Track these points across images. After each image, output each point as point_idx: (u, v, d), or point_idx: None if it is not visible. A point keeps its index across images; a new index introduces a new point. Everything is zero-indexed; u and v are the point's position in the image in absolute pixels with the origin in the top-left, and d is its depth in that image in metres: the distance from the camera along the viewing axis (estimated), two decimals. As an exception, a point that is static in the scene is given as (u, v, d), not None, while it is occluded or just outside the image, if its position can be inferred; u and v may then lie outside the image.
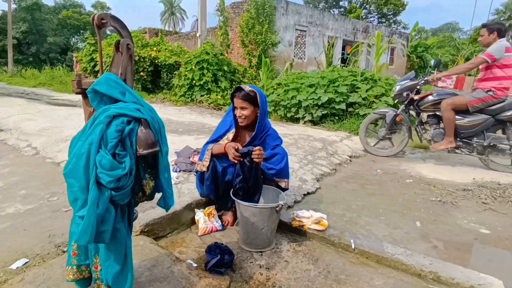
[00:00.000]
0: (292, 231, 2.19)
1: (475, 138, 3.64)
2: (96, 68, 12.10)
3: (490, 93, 3.49)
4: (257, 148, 1.94)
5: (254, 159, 1.91)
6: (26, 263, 1.71)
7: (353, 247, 1.94)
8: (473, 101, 3.56)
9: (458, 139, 3.72)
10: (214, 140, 2.21)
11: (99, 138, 1.08)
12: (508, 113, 3.48)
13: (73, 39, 37.73)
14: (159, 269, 1.55)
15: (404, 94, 4.05)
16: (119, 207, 1.20)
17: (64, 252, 1.82)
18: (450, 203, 2.74)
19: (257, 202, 1.97)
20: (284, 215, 2.26)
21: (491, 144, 3.59)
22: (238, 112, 2.14)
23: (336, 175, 3.53)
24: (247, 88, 2.14)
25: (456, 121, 3.64)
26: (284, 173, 2.16)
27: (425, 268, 1.75)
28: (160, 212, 2.06)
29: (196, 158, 3.06)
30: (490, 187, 3.08)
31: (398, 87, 4.11)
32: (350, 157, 4.19)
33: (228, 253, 1.77)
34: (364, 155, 4.37)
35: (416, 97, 3.95)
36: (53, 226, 2.11)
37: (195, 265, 1.72)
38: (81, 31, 37.14)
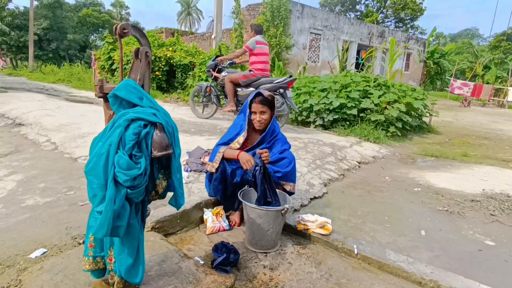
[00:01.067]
0: (297, 234, 2.26)
1: None
2: (113, 66, 12.39)
3: (251, 72, 5.19)
4: (263, 150, 2.00)
5: (264, 160, 1.97)
6: (44, 252, 1.83)
7: (355, 252, 1.99)
8: (241, 77, 5.21)
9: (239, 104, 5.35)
10: (225, 143, 2.29)
11: (118, 139, 1.17)
12: (264, 86, 5.03)
13: (92, 36, 38.66)
14: (168, 264, 1.64)
15: (210, 71, 5.68)
16: (133, 204, 1.29)
17: (80, 244, 1.93)
18: (457, 214, 2.74)
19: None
20: (290, 218, 2.32)
21: None
22: (257, 117, 2.22)
23: (344, 180, 3.57)
24: (266, 93, 2.23)
25: (237, 92, 5.28)
26: (290, 177, 2.23)
27: (426, 276, 1.78)
28: (170, 210, 2.15)
29: (207, 159, 3.15)
30: (499, 199, 3.07)
31: (208, 66, 5.73)
32: (359, 163, 4.21)
33: (234, 252, 1.84)
34: (373, 162, 4.38)
35: (215, 75, 5.58)
36: (69, 219, 2.23)
37: (202, 262, 1.80)
38: (100, 29, 38.03)
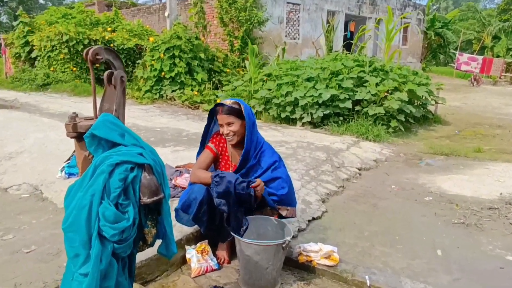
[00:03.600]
0: (299, 268, 2.44)
1: None
2: (33, 55, 11.98)
3: None
4: (257, 181, 2.16)
5: (257, 194, 2.13)
6: (-6, 319, 1.88)
7: (368, 284, 2.21)
8: None
9: None
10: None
11: (101, 188, 1.29)
12: None
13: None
14: (155, 321, 1.77)
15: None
16: (120, 259, 1.41)
17: (38, 305, 1.99)
18: (474, 226, 3.06)
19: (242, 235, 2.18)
20: (289, 249, 2.50)
21: None
22: (224, 130, 2.38)
23: (344, 193, 3.81)
24: (228, 101, 2.40)
25: None
26: (287, 200, 2.41)
27: (447, 305, 2.03)
28: (146, 252, 2.23)
29: (179, 180, 3.26)
30: (519, 204, 3.44)
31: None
32: (359, 169, 4.49)
33: (230, 298, 1.99)
34: (375, 167, 4.68)
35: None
36: (15, 272, 2.27)
37: (194, 313, 1.93)
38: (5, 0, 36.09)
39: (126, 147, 1.37)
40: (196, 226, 2.50)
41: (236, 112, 2.37)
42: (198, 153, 2.63)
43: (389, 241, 2.80)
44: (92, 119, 1.52)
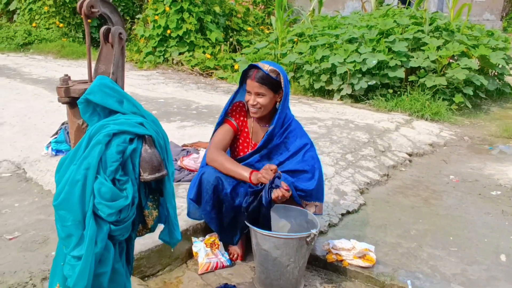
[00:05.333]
0: (326, 268, 2.56)
1: None
2: (11, 7, 12.33)
3: None
4: (284, 187, 2.25)
5: (274, 199, 2.23)
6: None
7: (410, 290, 2.31)
8: None
9: None
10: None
11: (97, 161, 1.42)
12: None
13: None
14: (156, 318, 1.93)
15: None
16: (117, 243, 1.56)
17: (24, 296, 2.20)
18: (551, 227, 3.09)
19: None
20: (316, 246, 2.62)
21: None
22: (251, 100, 2.45)
23: (389, 183, 3.89)
24: (266, 67, 2.44)
25: None
26: (316, 194, 2.51)
27: (505, 318, 2.12)
28: (146, 242, 2.42)
29: (186, 161, 3.42)
30: None
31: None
32: (410, 155, 4.54)
33: (243, 298, 2.14)
34: (431, 153, 4.71)
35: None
36: (-3, 260, 2.49)
37: (200, 313, 2.10)
38: None
39: (124, 116, 1.50)
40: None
41: (271, 82, 2.42)
42: (217, 127, 2.67)
43: (441, 243, 2.88)
44: (87, 82, 1.66)
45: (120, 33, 1.61)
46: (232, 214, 2.43)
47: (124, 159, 1.47)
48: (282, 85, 2.45)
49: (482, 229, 3.07)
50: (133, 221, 1.58)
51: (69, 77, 1.60)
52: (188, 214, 2.62)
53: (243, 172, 2.37)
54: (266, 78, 2.40)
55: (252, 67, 2.46)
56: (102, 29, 1.63)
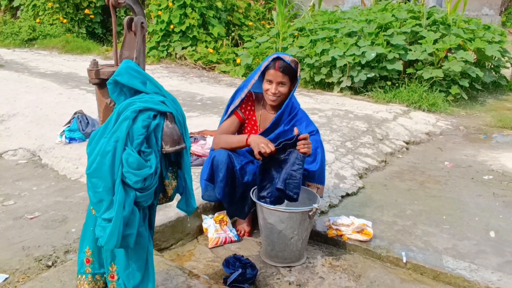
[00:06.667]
0: (327, 243, 2.76)
1: None
2: (15, 3, 12.51)
3: None
4: (302, 136, 2.40)
5: (301, 150, 2.39)
6: (6, 278, 2.30)
7: (404, 260, 2.50)
8: None
9: None
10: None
11: (125, 134, 1.61)
12: None
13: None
14: (173, 284, 2.13)
15: None
16: (141, 209, 1.75)
17: (48, 266, 2.40)
18: (539, 207, 3.28)
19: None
20: (317, 223, 2.82)
21: None
22: (273, 88, 2.61)
23: (387, 169, 4.08)
24: (287, 57, 2.62)
25: None
26: (319, 176, 2.71)
27: (491, 284, 2.31)
28: (161, 218, 2.62)
29: (194, 147, 3.61)
30: None
31: None
32: (407, 143, 4.73)
33: (251, 267, 2.34)
34: (427, 141, 4.90)
35: None
36: (22, 236, 2.68)
37: (213, 281, 2.29)
38: None
39: (148, 95, 1.69)
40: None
41: (291, 72, 2.61)
42: (223, 118, 2.85)
43: (435, 221, 3.07)
44: (113, 66, 1.85)
45: (142, 23, 1.80)
46: (241, 190, 2.63)
47: (148, 133, 1.66)
48: (298, 75, 2.64)
49: (474, 209, 3.26)
50: (155, 190, 1.77)
51: (97, 62, 1.79)
52: (203, 197, 2.83)
53: (241, 137, 2.59)
54: (288, 68, 2.59)
55: (275, 58, 2.62)
56: (126, 18, 1.82)
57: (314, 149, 2.66)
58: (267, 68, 2.63)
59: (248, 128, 2.84)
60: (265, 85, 2.66)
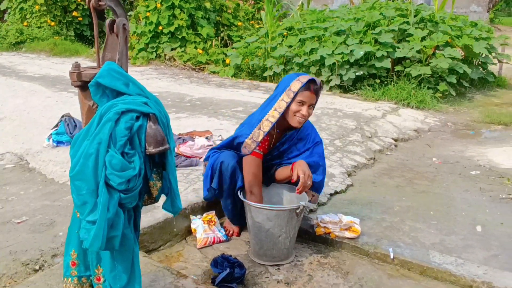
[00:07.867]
0: (316, 241, 2.78)
1: None
2: (1, 7, 12.43)
3: None
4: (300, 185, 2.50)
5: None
6: (-8, 284, 2.29)
7: (391, 256, 2.52)
8: None
9: None
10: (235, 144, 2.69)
11: (108, 136, 1.61)
12: None
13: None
14: (161, 284, 2.13)
15: None
16: (125, 211, 1.76)
17: (35, 270, 2.39)
18: (525, 202, 3.32)
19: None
20: (306, 221, 2.83)
21: None
22: (304, 111, 2.55)
23: (375, 166, 4.11)
24: (318, 80, 2.61)
25: None
26: (319, 187, 2.75)
27: (477, 278, 2.34)
28: (148, 219, 2.62)
29: (182, 148, 3.62)
30: None
31: None
32: (396, 140, 4.76)
33: (239, 266, 2.35)
34: (415, 138, 4.94)
35: None
36: (9, 241, 2.67)
37: (200, 281, 2.29)
38: None
39: (131, 96, 1.69)
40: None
41: (319, 94, 2.63)
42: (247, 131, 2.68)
43: (422, 217, 3.10)
44: (96, 68, 1.84)
45: (124, 24, 1.80)
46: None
47: (131, 135, 1.66)
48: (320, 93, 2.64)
49: (461, 204, 3.29)
50: (140, 191, 1.77)
51: (79, 64, 1.79)
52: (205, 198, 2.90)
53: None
54: (319, 90, 2.61)
55: (309, 80, 2.54)
56: (108, 20, 1.81)
57: (317, 162, 2.72)
58: (300, 90, 2.53)
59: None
60: (295, 107, 2.56)
